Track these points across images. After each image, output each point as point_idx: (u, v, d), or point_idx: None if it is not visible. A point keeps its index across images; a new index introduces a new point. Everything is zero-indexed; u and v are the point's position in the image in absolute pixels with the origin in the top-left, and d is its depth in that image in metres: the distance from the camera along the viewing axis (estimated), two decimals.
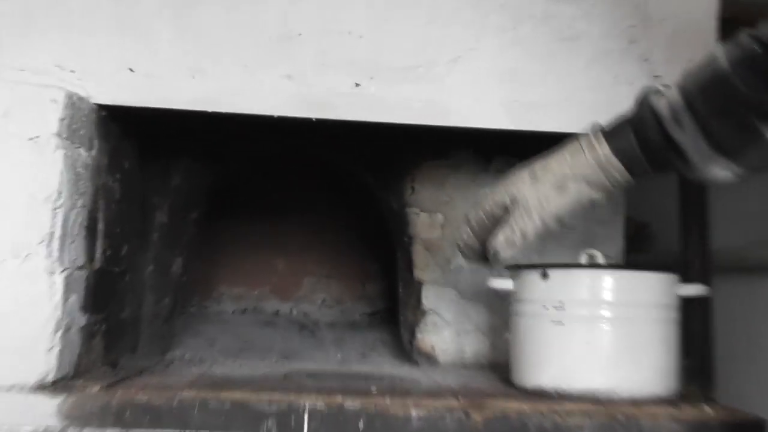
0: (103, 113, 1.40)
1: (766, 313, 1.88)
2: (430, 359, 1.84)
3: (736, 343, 1.90)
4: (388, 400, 1.28)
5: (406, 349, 1.94)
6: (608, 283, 1.37)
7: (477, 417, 1.25)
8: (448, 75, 1.43)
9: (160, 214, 1.79)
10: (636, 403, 1.32)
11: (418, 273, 1.87)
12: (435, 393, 1.38)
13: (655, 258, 2.09)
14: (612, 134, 1.13)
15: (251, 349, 2.08)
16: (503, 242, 1.17)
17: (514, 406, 1.29)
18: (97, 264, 1.41)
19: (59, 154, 1.24)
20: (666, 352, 1.38)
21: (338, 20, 1.42)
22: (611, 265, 1.47)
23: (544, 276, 1.39)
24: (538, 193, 1.15)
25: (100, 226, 1.42)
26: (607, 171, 1.12)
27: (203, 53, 1.39)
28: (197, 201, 1.92)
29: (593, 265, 1.43)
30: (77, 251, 1.31)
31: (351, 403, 1.25)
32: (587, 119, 1.32)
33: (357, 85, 1.41)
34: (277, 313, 2.53)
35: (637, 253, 2.04)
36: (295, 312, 2.54)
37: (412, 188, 1.87)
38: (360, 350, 2.15)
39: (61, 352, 1.25)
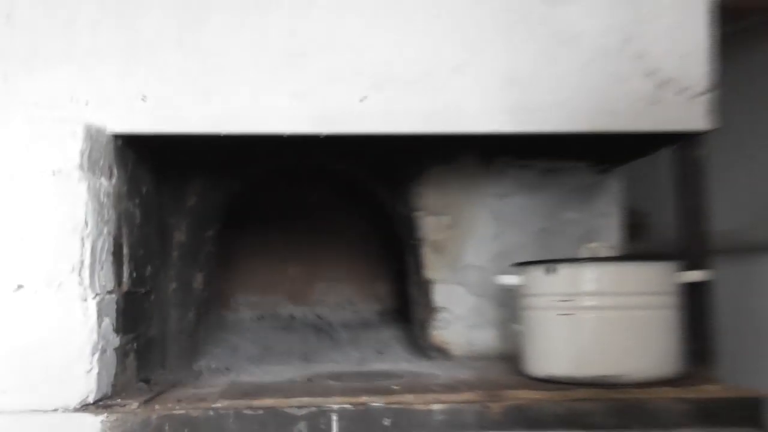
0: (120, 142, 1.44)
1: (760, 291, 1.96)
2: (444, 353, 1.90)
3: (735, 321, 1.95)
4: (410, 397, 1.33)
5: (419, 344, 1.98)
6: (612, 274, 1.41)
7: (495, 408, 1.30)
8: (451, 83, 1.46)
9: (179, 233, 1.83)
10: (643, 385, 1.37)
11: (429, 273, 1.92)
12: (453, 387, 1.43)
13: (655, 245, 2.14)
14: None
15: (272, 354, 2.13)
16: None
17: (530, 395, 1.34)
18: (125, 287, 1.45)
19: (83, 186, 1.28)
20: (670, 336, 1.43)
21: (341, 36, 1.45)
22: (614, 258, 1.51)
23: (551, 271, 1.44)
24: None
25: (125, 250, 1.46)
26: None
27: (211, 76, 1.43)
28: (213, 219, 1.96)
29: (596, 258, 1.47)
30: (106, 277, 1.35)
31: (376, 403, 1.29)
32: (585, 119, 1.39)
33: (364, 98, 1.44)
34: (292, 317, 2.58)
35: (638, 241, 2.09)
36: (310, 316, 2.58)
37: (419, 193, 1.91)
38: (376, 348, 2.20)
39: (99, 374, 1.30)
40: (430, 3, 1.46)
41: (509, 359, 1.74)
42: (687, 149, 1.56)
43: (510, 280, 1.54)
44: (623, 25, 1.50)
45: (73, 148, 1.28)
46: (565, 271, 1.43)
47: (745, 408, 1.34)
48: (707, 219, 1.56)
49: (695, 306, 1.51)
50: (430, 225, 1.91)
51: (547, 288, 1.44)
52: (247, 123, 1.43)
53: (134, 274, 1.50)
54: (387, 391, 1.38)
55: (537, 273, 1.46)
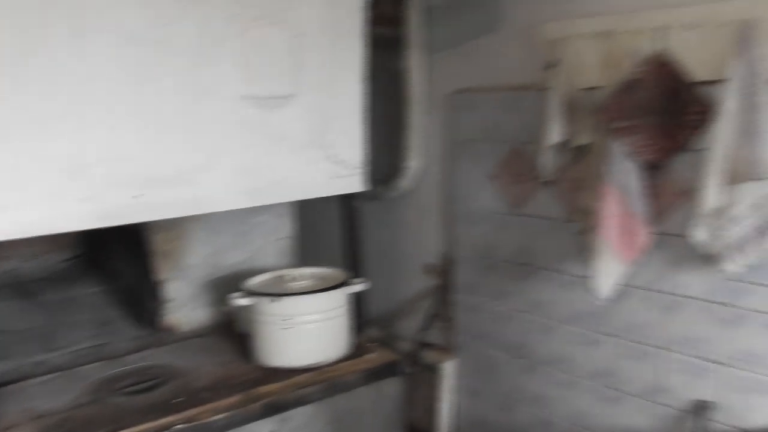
0: None
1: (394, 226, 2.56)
2: (172, 332, 2.21)
3: (381, 242, 2.56)
4: (195, 411, 1.70)
5: (153, 326, 2.23)
6: (310, 303, 1.90)
7: (256, 407, 1.74)
8: (201, 178, 1.72)
9: None
10: (334, 364, 1.93)
11: (160, 275, 2.17)
12: (216, 389, 1.80)
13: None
14: None
15: (12, 340, 2.17)
16: None
17: (273, 389, 1.81)
18: None
19: None
20: (346, 328, 1.99)
21: (119, 149, 1.59)
22: (311, 291, 1.93)
23: (274, 300, 1.86)
24: None
25: None
26: None
27: (11, 187, 1.47)
28: None
29: (297, 293, 1.90)
30: None
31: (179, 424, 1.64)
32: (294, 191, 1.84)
33: (138, 196, 1.63)
34: None
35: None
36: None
37: None
38: (97, 320, 2.34)
39: None
40: (182, 118, 1.66)
41: (222, 327, 2.15)
42: (348, 199, 2.09)
43: (243, 302, 1.91)
44: (317, 126, 1.89)
45: None
46: (282, 301, 1.87)
47: (389, 366, 2.00)
48: (363, 245, 2.12)
49: (357, 298, 2.09)
50: (161, 239, 2.14)
51: (274, 310, 1.87)
52: (41, 226, 1.53)
53: None
54: (177, 408, 1.71)
55: (265, 300, 1.88)
